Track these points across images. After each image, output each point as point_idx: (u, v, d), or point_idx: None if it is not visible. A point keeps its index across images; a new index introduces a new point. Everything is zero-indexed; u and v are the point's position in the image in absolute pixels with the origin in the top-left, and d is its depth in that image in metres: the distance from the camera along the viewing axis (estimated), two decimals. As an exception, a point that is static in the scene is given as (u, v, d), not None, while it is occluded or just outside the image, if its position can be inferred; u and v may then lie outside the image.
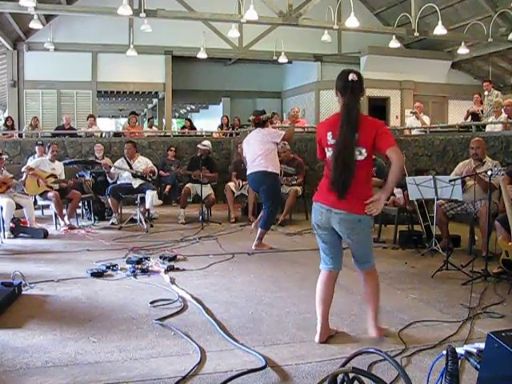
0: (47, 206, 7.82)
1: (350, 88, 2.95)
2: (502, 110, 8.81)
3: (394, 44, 11.69)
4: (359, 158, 2.93)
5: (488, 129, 9.03)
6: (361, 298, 3.86)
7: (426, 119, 10.34)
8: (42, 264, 5.05)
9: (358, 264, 3.18)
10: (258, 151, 5.89)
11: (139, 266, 4.77)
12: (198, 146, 8.32)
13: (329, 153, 3.05)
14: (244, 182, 7.96)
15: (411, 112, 10.50)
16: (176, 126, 19.59)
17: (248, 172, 6.04)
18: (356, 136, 2.91)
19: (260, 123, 6.05)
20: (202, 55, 12.67)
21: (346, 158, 2.91)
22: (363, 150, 2.93)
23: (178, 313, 3.58)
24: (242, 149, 6.30)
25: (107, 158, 9.03)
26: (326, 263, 3.20)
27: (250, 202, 7.85)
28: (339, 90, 3.03)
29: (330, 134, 3.02)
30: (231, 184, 8.07)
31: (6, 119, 11.75)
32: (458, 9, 12.41)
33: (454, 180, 5.10)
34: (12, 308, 3.66)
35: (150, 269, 4.77)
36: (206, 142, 8.39)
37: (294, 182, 7.86)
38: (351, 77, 2.95)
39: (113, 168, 7.73)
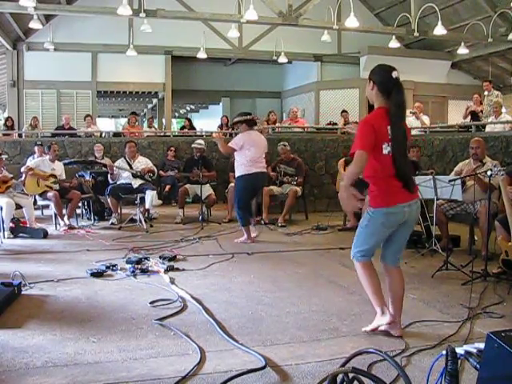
0: (47, 206, 7.82)
1: (395, 85, 2.99)
2: (503, 110, 8.83)
3: (394, 44, 11.69)
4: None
5: (488, 129, 9.03)
6: (360, 298, 3.87)
7: (426, 119, 10.35)
8: (42, 264, 5.05)
9: (396, 259, 3.22)
10: (262, 153, 6.29)
11: (139, 266, 4.77)
12: (194, 145, 8.37)
13: (389, 148, 2.95)
14: None
15: (411, 112, 10.50)
16: (176, 126, 19.57)
17: (254, 170, 6.14)
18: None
19: (255, 124, 6.44)
20: (201, 55, 12.67)
21: (406, 151, 3.10)
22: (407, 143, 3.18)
23: (177, 313, 3.58)
24: (236, 144, 6.16)
25: (107, 158, 9.04)
26: (370, 255, 3.15)
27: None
28: (381, 86, 3.02)
29: (389, 128, 2.98)
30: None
31: (6, 119, 11.75)
32: (457, 9, 12.40)
33: (454, 180, 5.10)
34: (12, 308, 3.66)
35: (150, 269, 4.77)
36: (201, 141, 8.45)
37: (295, 183, 7.86)
38: (395, 74, 2.99)
39: (114, 168, 7.74)
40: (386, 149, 2.96)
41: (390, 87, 2.98)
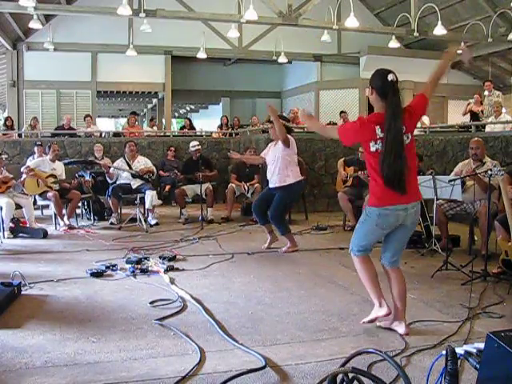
0: (47, 206, 7.82)
1: (391, 89, 3.01)
2: (503, 110, 8.84)
3: (394, 44, 11.69)
4: (406, 142, 3.05)
5: (488, 129, 9.03)
6: (360, 297, 3.87)
7: (426, 119, 10.34)
8: (42, 264, 5.05)
9: (397, 261, 3.27)
10: None
11: (139, 266, 4.77)
12: (191, 149, 8.36)
13: (377, 145, 3.02)
14: (249, 184, 7.99)
15: (411, 112, 10.47)
16: (176, 126, 19.58)
17: (301, 178, 5.78)
18: (404, 129, 3.04)
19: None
20: (201, 55, 12.67)
21: (401, 156, 2.97)
22: (409, 135, 3.08)
23: (177, 313, 3.58)
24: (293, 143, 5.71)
25: (107, 158, 9.04)
26: (367, 250, 3.22)
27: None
28: (378, 89, 3.05)
29: (378, 127, 3.01)
30: (234, 186, 8.07)
31: (6, 119, 11.74)
32: (457, 9, 12.41)
33: (454, 180, 5.10)
34: (12, 308, 3.65)
35: (150, 269, 4.76)
36: (195, 142, 8.47)
37: None
38: (391, 77, 3.01)
39: (112, 168, 7.75)
40: (374, 146, 3.03)
41: (387, 90, 3.01)
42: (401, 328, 3.21)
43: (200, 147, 8.41)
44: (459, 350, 1.96)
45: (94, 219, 7.88)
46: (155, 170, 8.09)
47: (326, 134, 3.63)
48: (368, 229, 3.17)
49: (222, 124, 12.71)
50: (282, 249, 5.77)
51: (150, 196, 7.41)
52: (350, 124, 3.25)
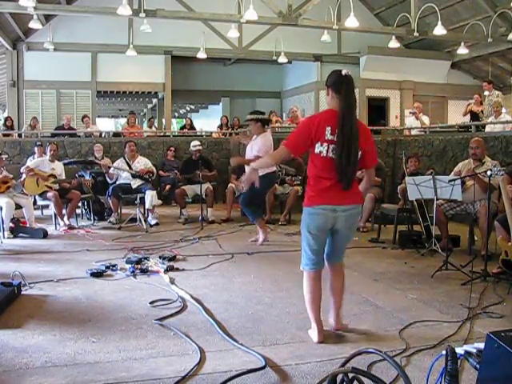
0: (47, 206, 7.82)
1: (345, 83, 2.99)
2: (503, 110, 8.84)
3: (394, 44, 11.67)
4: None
5: (488, 129, 9.04)
6: (360, 297, 3.87)
7: (426, 119, 10.35)
8: (42, 264, 5.05)
9: (337, 258, 3.23)
10: None
11: (139, 266, 4.77)
12: (191, 148, 8.37)
13: (321, 148, 2.94)
14: None
15: (411, 112, 10.51)
16: (176, 126, 19.57)
17: (274, 169, 6.21)
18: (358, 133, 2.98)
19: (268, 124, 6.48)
20: (201, 55, 12.67)
21: (353, 152, 2.92)
22: (359, 151, 3.00)
23: (177, 313, 3.58)
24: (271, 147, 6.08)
25: (107, 158, 9.04)
26: (315, 264, 3.10)
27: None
28: (333, 86, 3.03)
29: (328, 129, 2.94)
30: (234, 186, 8.08)
31: (6, 119, 11.74)
32: (457, 9, 12.40)
33: (454, 180, 5.10)
34: (12, 308, 3.65)
35: (150, 269, 4.76)
36: (197, 142, 8.48)
37: (298, 182, 7.88)
38: (344, 72, 3.02)
39: (112, 168, 7.75)
40: (318, 148, 2.95)
41: (341, 86, 2.99)
42: (334, 322, 3.22)
43: (201, 147, 8.42)
44: (459, 350, 1.96)
45: (94, 219, 7.88)
46: (155, 170, 8.09)
47: (278, 158, 3.29)
48: (304, 233, 3.07)
49: (221, 124, 12.71)
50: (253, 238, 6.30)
51: (150, 196, 7.41)
52: (295, 131, 3.17)
